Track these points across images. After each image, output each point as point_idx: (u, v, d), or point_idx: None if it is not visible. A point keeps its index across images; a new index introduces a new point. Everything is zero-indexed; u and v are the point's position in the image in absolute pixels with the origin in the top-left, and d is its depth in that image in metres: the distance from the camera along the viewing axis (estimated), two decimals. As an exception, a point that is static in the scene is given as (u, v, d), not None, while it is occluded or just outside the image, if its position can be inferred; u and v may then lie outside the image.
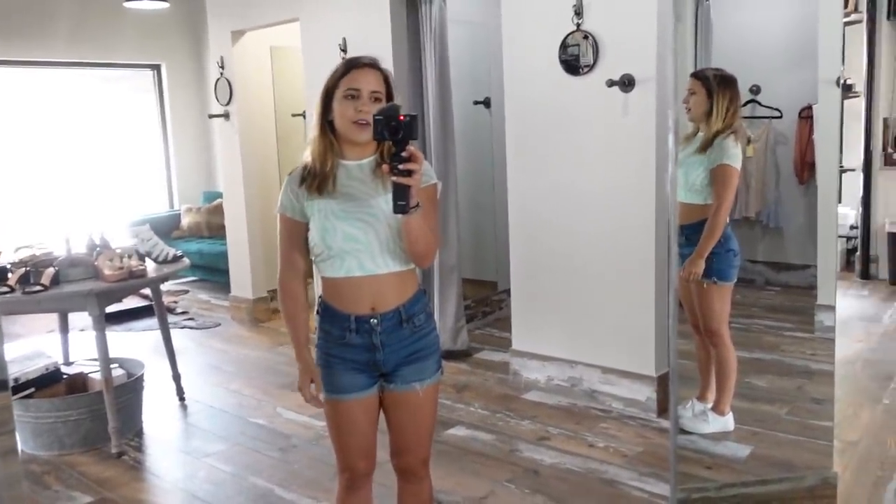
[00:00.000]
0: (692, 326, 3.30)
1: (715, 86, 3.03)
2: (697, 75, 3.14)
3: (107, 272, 3.34)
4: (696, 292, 3.16)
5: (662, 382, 3.57)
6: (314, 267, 2.02)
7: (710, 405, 3.29)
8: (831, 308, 4.69)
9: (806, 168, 6.10)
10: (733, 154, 3.03)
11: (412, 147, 1.70)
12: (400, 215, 1.77)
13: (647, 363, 3.58)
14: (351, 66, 1.93)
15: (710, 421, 3.23)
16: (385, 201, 1.85)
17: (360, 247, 1.90)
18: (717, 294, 3.14)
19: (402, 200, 1.70)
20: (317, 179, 1.93)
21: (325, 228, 1.91)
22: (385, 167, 1.72)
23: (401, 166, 1.67)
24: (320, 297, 2.03)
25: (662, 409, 3.56)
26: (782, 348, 4.40)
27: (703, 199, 3.08)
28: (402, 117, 1.67)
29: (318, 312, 2.04)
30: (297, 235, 1.99)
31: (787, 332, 4.75)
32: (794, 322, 4.92)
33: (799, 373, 3.93)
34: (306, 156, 1.98)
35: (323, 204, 1.92)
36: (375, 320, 1.94)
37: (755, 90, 5.20)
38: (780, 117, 5.90)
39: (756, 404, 3.56)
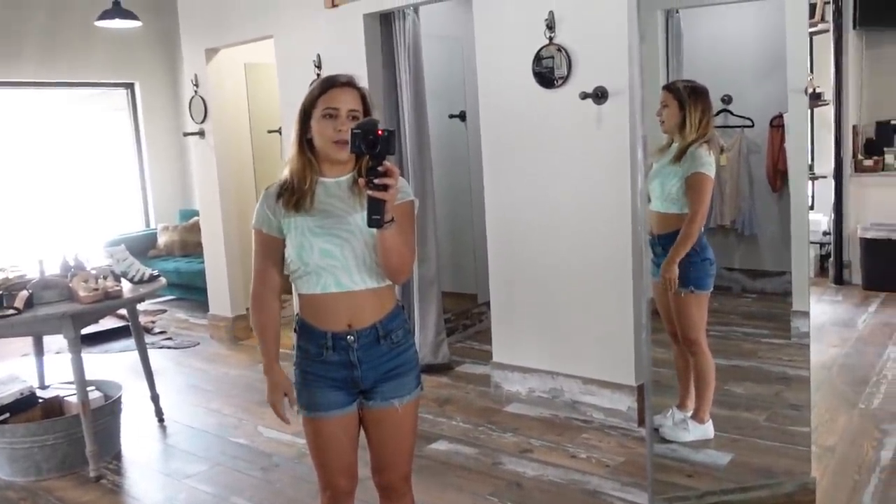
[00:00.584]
0: (670, 335, 3.32)
1: (686, 97, 3.07)
2: (669, 87, 3.17)
3: (82, 294, 3.30)
4: (674, 301, 3.19)
5: (643, 392, 3.59)
6: (292, 284, 2.00)
7: (689, 413, 3.31)
8: (806, 314, 4.75)
9: (778, 176, 6.18)
10: (707, 163, 3.07)
11: (388, 162, 1.71)
12: (375, 230, 1.77)
13: (628, 373, 3.60)
14: (328, 85, 1.94)
15: (690, 429, 3.26)
16: (362, 217, 1.84)
17: (337, 263, 1.90)
18: (695, 303, 3.17)
19: (376, 214, 1.71)
20: (294, 196, 1.93)
21: (301, 245, 1.91)
22: (361, 181, 1.73)
23: (376, 181, 1.68)
24: (297, 314, 2.02)
25: (643, 419, 3.58)
26: (760, 355, 4.44)
27: (679, 209, 3.11)
28: (380, 132, 1.68)
29: (295, 330, 2.03)
30: (272, 251, 1.99)
31: (764, 339, 4.80)
32: (771, 329, 4.96)
33: (776, 379, 3.97)
34: (284, 173, 1.98)
35: (300, 221, 1.92)
36: (352, 337, 1.94)
37: (727, 100, 5.28)
38: (752, 126, 5.98)
39: (735, 412, 3.59)
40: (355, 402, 2.01)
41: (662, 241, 3.12)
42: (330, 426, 2.00)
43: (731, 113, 5.34)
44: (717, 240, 5.11)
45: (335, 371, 1.96)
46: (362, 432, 2.07)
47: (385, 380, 1.98)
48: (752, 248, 6.16)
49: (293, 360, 2.04)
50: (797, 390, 3.87)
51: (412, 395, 2.03)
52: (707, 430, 3.28)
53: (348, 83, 1.95)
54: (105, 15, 6.11)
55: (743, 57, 5.70)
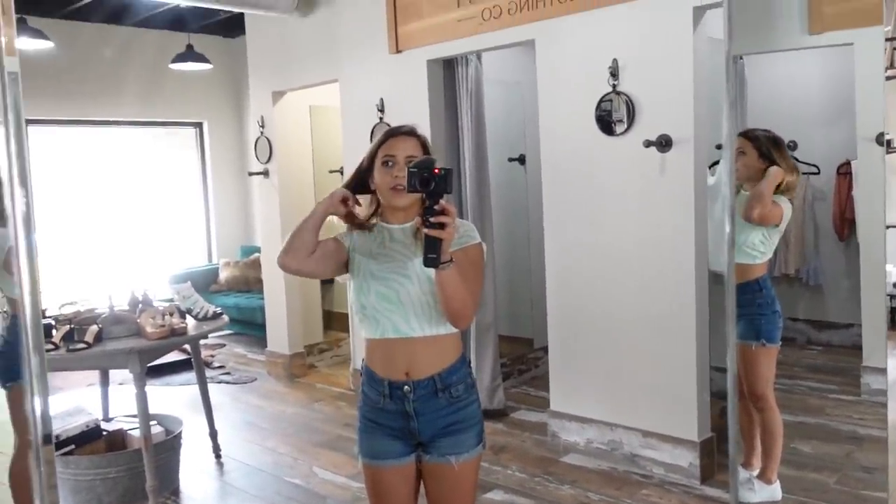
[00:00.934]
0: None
1: (769, 147, 3.03)
2: (748, 135, 3.12)
3: (149, 330, 3.38)
4: (742, 355, 3.10)
5: (706, 448, 3.49)
6: (359, 328, 2.01)
7: (755, 473, 3.20)
8: (880, 370, 4.57)
9: (846, 224, 6.02)
10: (781, 199, 3.03)
11: (445, 201, 1.69)
12: (434, 272, 1.75)
13: (690, 427, 3.50)
14: (388, 135, 1.99)
15: (756, 490, 3.14)
16: (421, 262, 1.82)
17: (394, 308, 1.89)
18: (764, 356, 3.09)
19: (432, 253, 1.68)
20: (362, 239, 1.98)
21: (360, 287, 1.93)
22: (417, 220, 1.72)
23: (432, 219, 1.66)
24: (363, 359, 2.03)
25: (706, 476, 3.47)
26: (828, 412, 4.28)
27: (753, 260, 3.06)
28: (436, 170, 1.68)
29: (361, 374, 2.04)
30: (332, 245, 1.97)
31: (832, 395, 4.63)
32: (839, 384, 4.78)
33: (847, 438, 3.81)
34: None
35: (363, 262, 1.95)
36: (408, 387, 1.92)
37: (792, 146, 5.18)
38: (818, 173, 5.85)
39: (803, 472, 3.45)
40: (413, 454, 1.98)
41: (737, 292, 3.05)
42: (387, 475, 1.98)
43: (797, 160, 5.23)
44: (781, 289, 4.98)
45: (393, 420, 1.95)
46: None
47: (443, 434, 1.94)
48: (817, 298, 5.98)
49: (357, 405, 2.04)
50: (870, 451, 3.71)
51: (471, 454, 1.98)
52: (774, 491, 3.15)
53: (408, 132, 1.98)
54: (179, 58, 6.39)
55: (808, 103, 5.61)
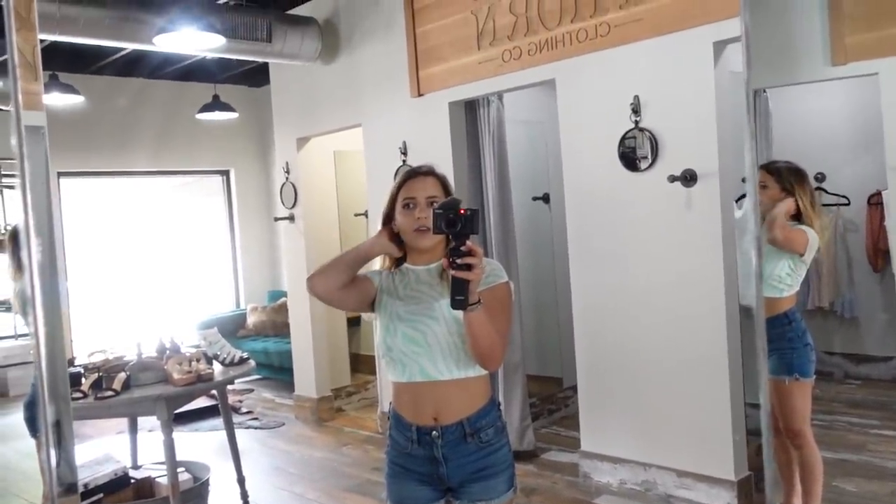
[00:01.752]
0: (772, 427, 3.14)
1: (791, 180, 3.00)
2: (769, 168, 3.09)
3: (176, 376, 3.39)
4: (776, 390, 3.02)
5: (743, 487, 3.39)
6: (385, 371, 2.00)
7: (796, 512, 3.09)
8: (922, 404, 4.43)
9: (880, 255, 5.90)
10: (809, 232, 2.98)
11: (471, 242, 1.67)
12: (461, 314, 1.73)
13: (726, 466, 3.40)
14: (407, 176, 1.98)
15: (797, 530, 3.03)
16: (448, 303, 1.79)
17: (421, 350, 1.87)
18: (799, 391, 3.00)
19: (460, 295, 1.66)
20: (389, 280, 1.97)
21: (386, 328, 1.91)
22: (444, 262, 1.70)
23: (459, 260, 1.64)
24: (390, 403, 2.01)
25: (744, 516, 3.37)
26: (870, 448, 4.15)
27: (780, 293, 3.00)
28: (462, 211, 1.67)
29: (389, 418, 2.02)
30: (359, 281, 1.96)
31: (873, 430, 4.49)
32: (880, 418, 4.65)
33: (892, 475, 3.68)
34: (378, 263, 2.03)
35: (390, 303, 1.93)
36: (436, 432, 1.88)
37: (820, 178, 5.12)
38: (848, 204, 5.77)
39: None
40: (443, 500, 1.95)
41: (766, 327, 3.00)
42: None
43: (825, 191, 5.17)
44: (815, 322, 4.88)
45: (421, 465, 1.92)
46: None
47: (473, 480, 1.91)
48: (853, 331, 5.84)
49: (384, 450, 2.02)
50: (916, 489, 3.58)
51: (502, 499, 1.93)
52: (817, 531, 3.04)
53: (427, 172, 1.98)
54: (205, 108, 6.52)
55: (835, 133, 5.55)
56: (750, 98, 2.52)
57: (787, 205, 2.97)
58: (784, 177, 3.02)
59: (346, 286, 1.93)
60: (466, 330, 1.77)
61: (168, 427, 3.35)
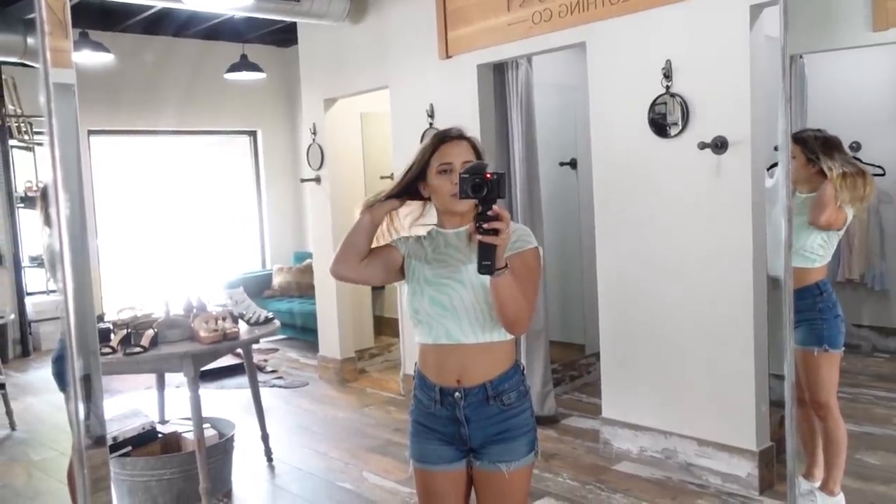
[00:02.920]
0: (795, 398, 3.11)
1: (817, 149, 2.93)
2: (796, 138, 3.02)
3: (202, 334, 3.44)
4: (803, 361, 2.99)
5: (764, 457, 3.38)
6: (413, 333, 2.01)
7: (817, 484, 3.08)
8: (951, 378, 4.38)
9: (914, 228, 5.79)
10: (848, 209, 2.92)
11: (498, 206, 1.66)
12: (488, 278, 1.73)
13: (748, 436, 3.39)
14: (440, 140, 1.95)
15: (818, 501, 3.02)
16: (475, 268, 1.78)
17: (447, 313, 1.88)
18: (827, 362, 2.97)
19: (486, 260, 1.65)
20: (417, 245, 1.98)
21: (413, 292, 1.93)
22: (471, 226, 1.69)
23: (485, 225, 1.63)
24: (416, 363, 2.03)
25: (765, 487, 3.36)
26: (895, 422, 4.11)
27: (812, 263, 2.96)
28: (488, 175, 1.66)
29: (414, 378, 2.04)
30: (387, 251, 1.99)
31: (900, 404, 4.46)
32: (908, 392, 4.61)
33: (916, 450, 3.66)
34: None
35: (418, 267, 1.95)
36: (459, 394, 1.90)
37: (855, 147, 5.01)
38: (884, 175, 5.65)
39: (869, 484, 3.31)
40: (464, 460, 1.97)
41: (795, 297, 2.96)
42: (438, 480, 1.97)
43: (860, 161, 5.06)
44: (844, 294, 4.81)
45: (443, 425, 1.95)
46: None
47: (494, 442, 1.92)
48: (883, 304, 5.77)
49: (409, 409, 2.04)
50: (941, 464, 3.55)
51: (523, 462, 1.94)
52: (839, 503, 3.03)
53: (459, 136, 1.96)
54: (233, 68, 6.51)
55: (872, 102, 5.42)
56: (786, 63, 2.45)
57: (830, 190, 2.90)
58: (810, 146, 2.95)
59: (368, 261, 1.96)
60: (492, 295, 1.77)
61: (194, 383, 3.41)
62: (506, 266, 1.70)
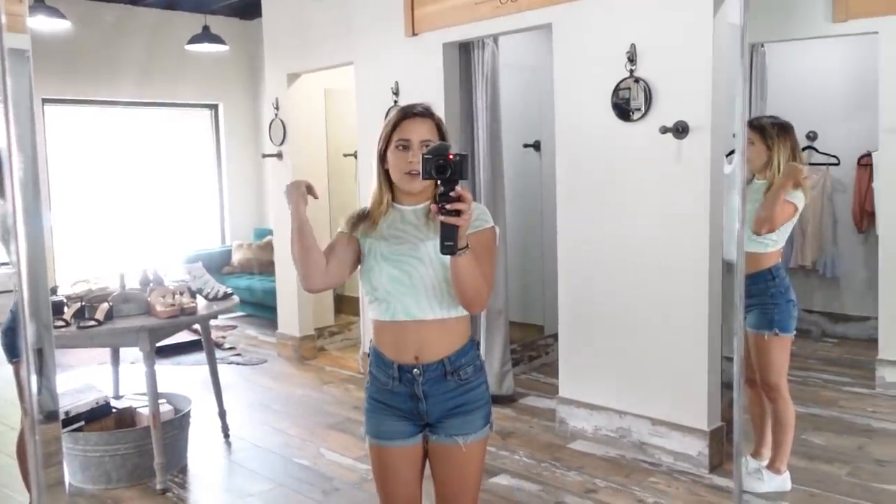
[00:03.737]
0: (746, 380, 3.19)
1: (774, 135, 2.98)
2: (753, 124, 3.08)
3: (158, 308, 3.39)
4: (755, 344, 3.07)
5: (715, 437, 3.46)
6: (368, 310, 2.00)
7: (765, 463, 3.17)
8: (894, 363, 4.52)
9: (865, 217, 5.94)
10: (793, 193, 2.96)
11: (460, 187, 1.67)
12: (448, 257, 1.75)
13: (700, 416, 3.47)
14: (402, 116, 1.95)
15: (765, 480, 3.11)
16: (434, 245, 1.82)
17: (405, 290, 1.89)
18: (777, 346, 3.05)
19: (449, 241, 1.67)
20: (371, 220, 1.96)
21: (371, 269, 1.92)
22: (433, 207, 1.69)
23: (448, 206, 1.64)
24: (371, 340, 2.03)
25: (715, 465, 3.45)
26: (841, 404, 4.24)
27: (764, 248, 3.02)
28: (451, 156, 1.66)
29: (368, 355, 2.04)
30: (340, 245, 1.97)
31: (846, 388, 4.59)
32: (854, 377, 4.75)
33: (860, 431, 3.77)
34: (368, 203, 2.01)
35: (374, 244, 1.94)
36: (418, 370, 1.91)
37: (812, 136, 5.11)
38: (838, 164, 5.78)
39: (814, 463, 3.42)
40: (420, 435, 1.98)
41: (746, 282, 3.03)
42: (394, 456, 1.98)
43: (816, 150, 5.17)
44: (797, 281, 4.92)
45: (401, 402, 1.96)
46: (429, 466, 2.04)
47: (451, 416, 1.95)
48: (833, 290, 5.92)
49: (364, 386, 2.04)
50: (883, 444, 3.67)
51: (479, 435, 1.98)
52: (784, 482, 3.13)
53: (423, 113, 1.95)
54: (195, 39, 6.37)
55: (830, 93, 5.53)
56: (745, 47, 2.49)
57: (781, 197, 2.94)
58: (767, 133, 3.01)
59: (334, 264, 1.94)
60: (453, 274, 1.78)
61: (150, 358, 3.37)
62: (467, 246, 1.72)
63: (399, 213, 1.96)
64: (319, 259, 1.92)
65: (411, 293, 1.89)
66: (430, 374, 1.92)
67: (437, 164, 1.67)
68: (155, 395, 3.38)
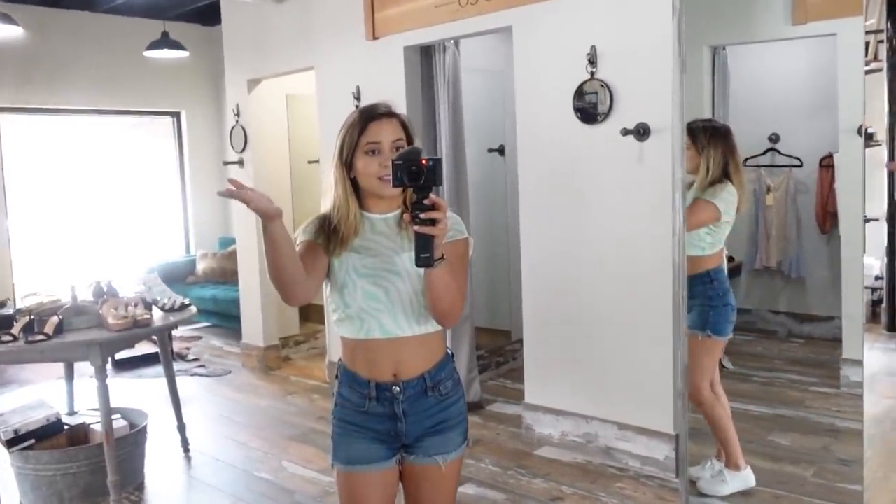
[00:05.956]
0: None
1: (704, 140, 2.99)
2: (689, 127, 3.09)
3: (111, 321, 3.28)
4: (689, 344, 3.06)
5: (682, 440, 3.43)
6: (336, 326, 1.86)
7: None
8: (858, 362, 4.54)
9: (828, 217, 5.98)
10: (720, 196, 2.98)
11: (436, 196, 1.57)
12: (423, 270, 1.64)
13: (666, 420, 3.44)
14: (368, 118, 1.81)
15: (727, 480, 3.10)
16: (409, 257, 1.72)
17: (381, 307, 1.78)
18: (706, 348, 3.08)
19: (424, 252, 1.57)
20: (339, 233, 1.80)
21: (344, 285, 1.79)
22: (406, 216, 1.60)
23: (422, 215, 1.54)
24: (339, 360, 1.91)
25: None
26: (807, 404, 4.24)
27: (702, 251, 3.05)
28: (423, 161, 1.55)
29: (336, 377, 1.91)
30: (310, 255, 1.78)
31: (811, 388, 4.60)
32: (819, 376, 4.76)
33: (825, 431, 3.77)
34: (325, 207, 1.84)
35: (345, 258, 1.80)
36: (398, 388, 1.81)
37: (774, 138, 5.13)
38: (801, 166, 5.81)
39: (780, 464, 3.41)
40: (395, 457, 1.86)
41: (690, 283, 3.04)
42: (367, 482, 1.85)
43: (779, 152, 5.19)
44: (762, 282, 4.94)
45: (378, 423, 1.83)
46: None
47: (430, 434, 1.84)
48: (798, 291, 5.94)
49: (331, 410, 1.91)
50: (847, 444, 3.67)
51: (458, 453, 1.88)
52: (747, 478, 3.11)
53: (388, 113, 1.82)
54: (154, 45, 6.25)
55: (792, 95, 5.56)
56: (681, 41, 2.48)
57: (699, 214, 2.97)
58: (697, 137, 3.02)
59: (312, 275, 1.76)
60: (428, 287, 1.69)
61: (102, 373, 3.26)
62: (442, 257, 1.62)
63: (369, 222, 1.83)
64: (293, 266, 1.72)
65: (388, 310, 1.78)
66: (410, 390, 1.81)
67: (410, 171, 1.55)
68: (108, 411, 3.27)
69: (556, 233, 3.77)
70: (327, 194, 1.84)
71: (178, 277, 6.92)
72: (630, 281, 3.51)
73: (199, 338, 6.77)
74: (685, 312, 2.71)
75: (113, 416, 3.36)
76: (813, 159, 5.97)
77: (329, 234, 1.81)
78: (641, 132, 3.40)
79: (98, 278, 3.78)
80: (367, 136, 1.78)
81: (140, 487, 3.59)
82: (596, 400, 3.67)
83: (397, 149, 1.77)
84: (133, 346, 4.16)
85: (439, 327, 1.84)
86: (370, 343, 1.80)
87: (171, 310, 3.70)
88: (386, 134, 1.79)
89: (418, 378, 1.82)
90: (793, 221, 5.85)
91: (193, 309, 3.81)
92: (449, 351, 1.91)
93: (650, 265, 3.44)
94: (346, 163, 1.80)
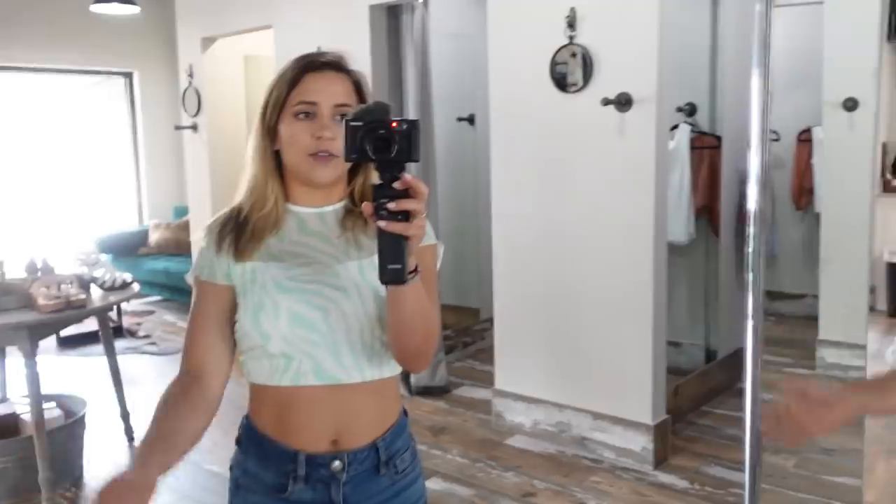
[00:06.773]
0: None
1: None
2: None
3: (41, 302, 2.97)
4: None
5: (660, 431, 3.25)
6: (243, 368, 1.30)
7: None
8: (835, 344, 4.43)
9: (804, 194, 5.85)
10: None
11: (410, 176, 1.02)
12: (385, 287, 1.10)
13: (644, 409, 3.25)
14: (304, 68, 1.26)
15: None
16: (358, 267, 1.24)
17: (317, 338, 1.22)
18: None
19: (394, 262, 1.02)
20: (250, 232, 1.27)
21: (260, 305, 1.22)
22: (366, 207, 1.02)
23: (392, 206, 1.00)
24: (245, 418, 1.35)
25: (660, 461, 3.24)
26: (782, 387, 4.11)
27: None
28: (394, 124, 1.00)
29: (238, 441, 1.36)
30: (218, 307, 1.28)
31: (787, 368, 4.49)
32: (795, 357, 4.66)
33: (805, 419, 3.64)
34: (237, 199, 1.32)
35: (259, 268, 1.25)
36: (339, 463, 1.25)
37: (752, 111, 4.94)
38: (778, 140, 5.66)
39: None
40: None
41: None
42: None
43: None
44: (737, 259, 4.76)
45: None
46: None
47: None
48: (772, 268, 5.83)
49: (228, 488, 1.36)
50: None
51: None
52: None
53: (333, 64, 1.28)
54: (101, -1, 5.81)
55: (771, 67, 5.37)
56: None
57: None
58: None
59: (226, 349, 1.30)
60: (394, 312, 1.15)
61: (31, 358, 2.95)
62: (416, 269, 1.08)
63: (296, 218, 1.29)
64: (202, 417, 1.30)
65: (326, 343, 1.22)
66: (357, 466, 1.26)
67: (375, 137, 1.00)
68: (39, 400, 2.98)
69: (530, 206, 3.53)
70: (246, 181, 1.31)
71: (129, 249, 6.58)
72: (608, 259, 3.30)
73: (152, 312, 6.45)
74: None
75: (47, 405, 3.07)
76: (791, 134, 5.82)
77: (237, 233, 1.28)
78: (623, 103, 3.16)
79: (32, 253, 3.45)
80: (300, 93, 1.24)
81: (77, 483, 3.30)
82: (570, 388, 3.47)
83: (342, 116, 1.22)
84: (62, 330, 3.83)
85: (397, 370, 1.29)
86: (302, 393, 1.23)
87: (112, 288, 3.40)
88: (328, 93, 1.24)
89: (369, 447, 1.27)
90: (767, 198, 5.69)
91: (136, 287, 3.50)
92: (403, 408, 1.37)
93: (630, 244, 3.22)
94: (270, 128, 1.27)
